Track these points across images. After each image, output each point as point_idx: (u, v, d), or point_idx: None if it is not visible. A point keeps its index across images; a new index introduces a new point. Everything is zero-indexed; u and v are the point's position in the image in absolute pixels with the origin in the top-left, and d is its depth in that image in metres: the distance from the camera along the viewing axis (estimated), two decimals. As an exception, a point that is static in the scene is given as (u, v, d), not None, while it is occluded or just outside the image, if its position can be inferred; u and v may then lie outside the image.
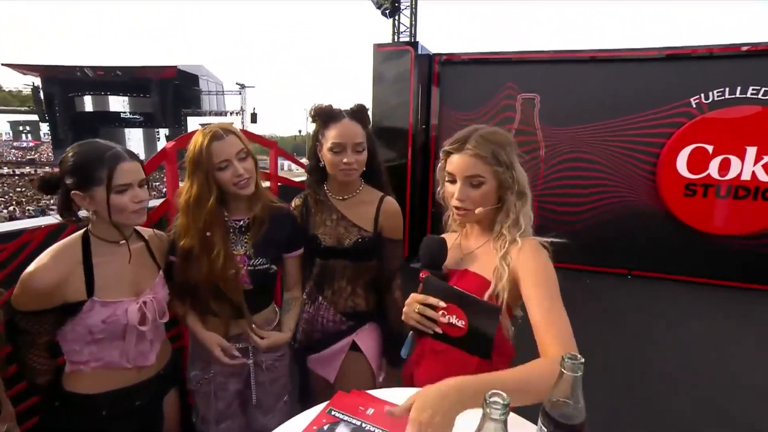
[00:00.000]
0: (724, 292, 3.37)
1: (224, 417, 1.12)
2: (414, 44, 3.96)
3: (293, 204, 1.31)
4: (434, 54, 4.08)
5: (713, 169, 3.38)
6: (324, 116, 1.18)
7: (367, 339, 1.23)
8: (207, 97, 34.22)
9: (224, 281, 1.03)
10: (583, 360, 0.51)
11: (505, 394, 0.44)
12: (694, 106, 3.37)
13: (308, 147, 1.29)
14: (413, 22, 9.46)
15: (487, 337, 0.82)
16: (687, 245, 3.53)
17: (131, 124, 33.54)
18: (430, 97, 4.06)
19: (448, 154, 0.92)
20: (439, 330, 0.86)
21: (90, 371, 0.91)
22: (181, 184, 1.46)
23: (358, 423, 0.73)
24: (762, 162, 3.23)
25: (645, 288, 3.49)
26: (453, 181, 0.91)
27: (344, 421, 0.73)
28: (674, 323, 2.86)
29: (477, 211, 0.89)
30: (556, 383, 0.53)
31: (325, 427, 0.72)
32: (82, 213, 0.93)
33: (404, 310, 0.91)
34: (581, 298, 3.27)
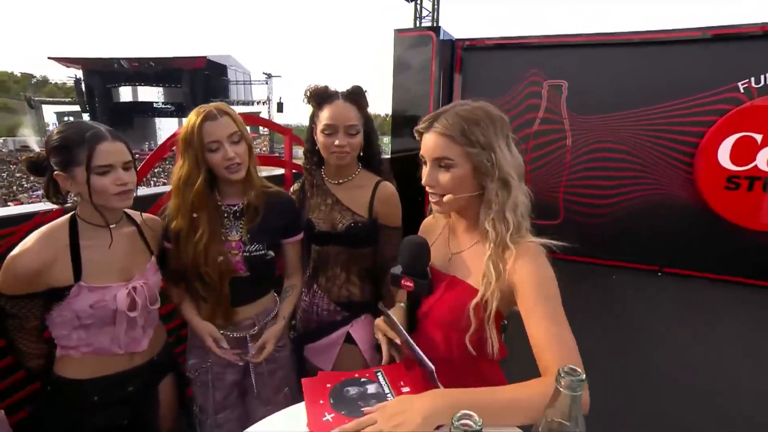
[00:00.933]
0: (763, 292, 3.13)
1: (222, 407, 1.12)
2: (436, 29, 3.83)
3: (292, 189, 1.30)
4: (457, 39, 3.94)
5: (761, 160, 3.10)
6: (318, 97, 1.15)
7: (361, 331, 1.21)
8: (235, 87, 34.96)
9: (210, 267, 1.00)
10: (583, 377, 0.47)
11: (477, 417, 0.39)
12: (742, 91, 3.09)
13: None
14: (435, 6, 9.20)
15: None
16: (726, 242, 3.28)
17: (163, 113, 34.80)
18: (452, 84, 3.93)
19: (420, 134, 0.84)
20: (398, 359, 0.82)
21: (80, 356, 0.91)
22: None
23: (387, 392, 0.76)
24: (819, 153, 2.94)
25: (677, 286, 3.30)
26: (425, 164, 0.84)
27: (380, 384, 0.78)
28: (708, 325, 2.69)
29: (445, 198, 0.81)
30: (551, 402, 0.48)
31: (362, 379, 0.79)
32: (75, 198, 0.94)
33: (374, 323, 0.88)
34: (608, 295, 3.13)
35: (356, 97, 1.16)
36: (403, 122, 3.99)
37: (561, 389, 0.46)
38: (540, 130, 3.98)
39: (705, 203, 3.34)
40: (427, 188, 0.83)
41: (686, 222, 3.41)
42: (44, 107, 41.97)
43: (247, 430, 0.73)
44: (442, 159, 0.79)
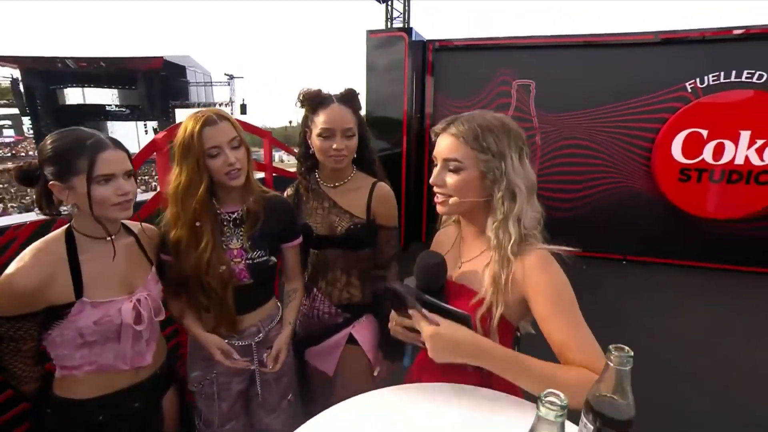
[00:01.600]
0: (718, 275, 3.42)
1: (228, 418, 1.09)
2: (408, 30, 3.88)
3: (286, 194, 1.27)
4: (428, 40, 4.01)
5: (707, 153, 3.39)
6: (313, 101, 1.13)
7: (364, 331, 1.21)
8: (195, 89, 33.57)
9: (211, 277, 0.98)
10: (632, 354, 0.48)
11: (562, 395, 0.40)
12: (690, 90, 3.36)
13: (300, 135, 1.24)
14: (406, 8, 9.30)
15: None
16: (681, 230, 3.56)
17: (117, 117, 32.81)
18: (424, 84, 4.00)
19: (437, 135, 0.84)
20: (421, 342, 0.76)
21: (83, 375, 0.86)
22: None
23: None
24: (755, 146, 3.25)
25: (640, 273, 3.52)
26: (436, 165, 0.83)
27: None
28: (670, 308, 2.89)
29: (451, 200, 0.80)
30: (601, 377, 0.50)
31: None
32: (66, 209, 0.87)
33: (389, 326, 0.84)
34: (579, 286, 3.29)
35: (351, 99, 1.15)
36: (377, 122, 4.01)
37: (611, 365, 0.48)
38: (519, 132, 4.23)
39: (662, 195, 3.62)
40: (435, 188, 0.83)
41: (647, 212, 3.67)
42: (-23, 111, 38.40)
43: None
44: (451, 161, 0.79)
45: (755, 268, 3.41)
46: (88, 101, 32.60)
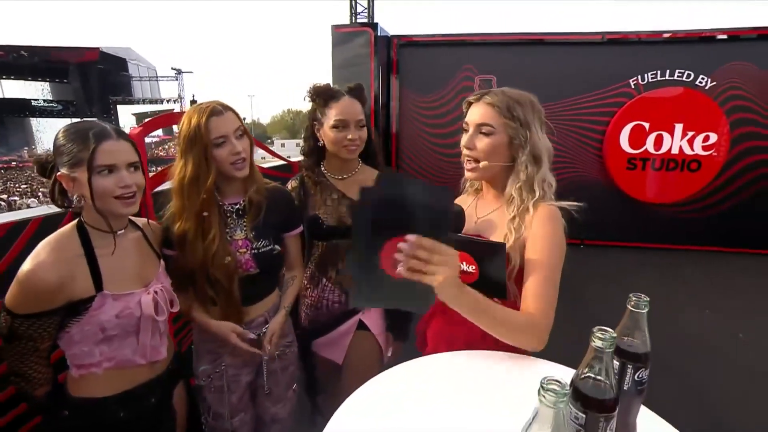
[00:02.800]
0: (659, 254, 3.79)
1: (238, 410, 1.08)
2: (373, 25, 3.90)
3: (289, 186, 1.28)
4: (393, 36, 4.05)
5: (650, 144, 3.73)
6: (324, 95, 1.18)
7: (373, 316, 1.24)
8: (139, 84, 31.30)
9: (217, 269, 0.98)
10: (648, 299, 0.58)
11: (563, 382, 0.43)
12: (633, 86, 3.68)
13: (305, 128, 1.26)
14: (371, 4, 9.27)
15: (500, 275, 0.83)
16: (629, 214, 3.90)
17: (47, 113, 29.82)
18: (390, 79, 4.05)
19: (469, 104, 0.93)
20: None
21: (102, 373, 0.83)
22: (155, 170, 1.33)
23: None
24: (687, 137, 3.63)
25: (596, 256, 3.81)
26: (466, 131, 0.92)
27: None
28: (623, 286, 3.17)
29: (481, 164, 0.89)
30: (623, 320, 0.59)
31: None
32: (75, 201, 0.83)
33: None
34: None
35: (359, 93, 1.21)
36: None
37: (630, 309, 0.57)
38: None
39: (612, 181, 3.95)
40: (465, 152, 0.90)
41: (600, 198, 3.98)
42: None
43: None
44: (484, 125, 0.87)
45: (690, 246, 3.82)
46: (8, 95, 29.27)
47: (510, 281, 0.86)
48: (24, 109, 29.14)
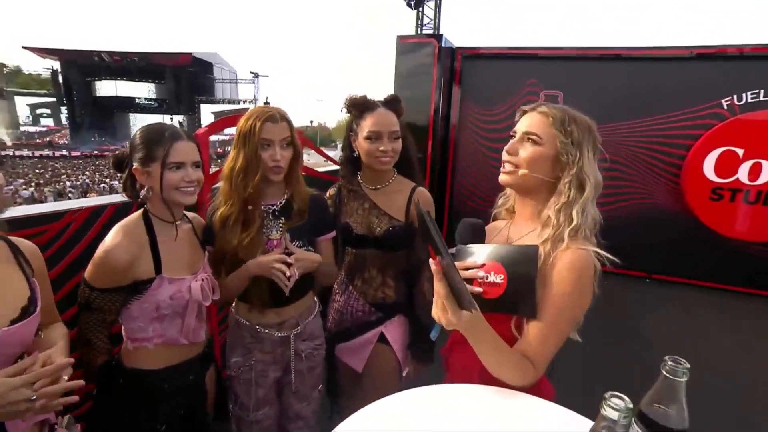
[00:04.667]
0: (747, 299, 3.31)
1: (263, 404, 1.14)
2: (438, 37, 3.91)
3: (328, 194, 1.33)
4: (457, 48, 4.03)
5: (743, 173, 3.29)
6: (359, 106, 1.20)
7: (394, 331, 1.24)
8: (221, 85, 34.39)
9: (249, 259, 1.04)
10: (688, 365, 0.49)
11: (626, 398, 0.41)
12: (726, 107, 3.28)
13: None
14: (437, 14, 9.34)
15: (530, 279, 0.77)
16: (711, 250, 3.46)
17: (146, 110, 33.84)
18: (451, 91, 4.02)
19: (523, 113, 0.90)
20: (478, 289, 0.80)
21: (153, 347, 0.96)
22: (212, 171, 1.47)
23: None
24: (793, 168, 3.15)
25: (664, 292, 3.44)
26: (512, 137, 0.89)
27: None
28: (694, 329, 2.82)
29: (520, 172, 0.84)
30: (655, 387, 0.51)
31: None
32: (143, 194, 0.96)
33: (427, 292, 0.90)
34: (600, 301, 3.21)
35: (395, 104, 1.21)
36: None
37: (664, 373, 0.48)
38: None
39: (691, 213, 3.53)
40: (505, 157, 0.87)
41: (673, 230, 3.59)
42: (17, 99, 40.18)
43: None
44: (532, 134, 0.83)
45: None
46: (120, 94, 33.77)
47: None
48: (129, 106, 33.41)
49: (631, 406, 0.44)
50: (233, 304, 1.18)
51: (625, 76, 3.50)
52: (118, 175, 0.98)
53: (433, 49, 3.81)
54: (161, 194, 0.92)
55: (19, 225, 1.07)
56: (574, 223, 0.79)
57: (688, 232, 3.49)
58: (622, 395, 0.45)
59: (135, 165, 0.92)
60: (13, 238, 0.80)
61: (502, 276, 0.79)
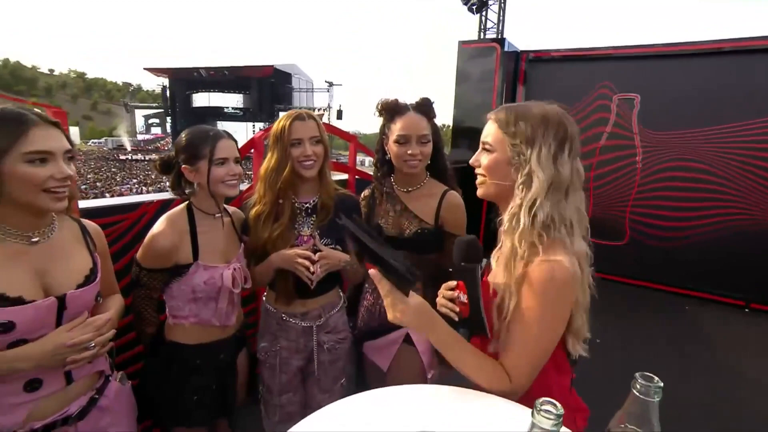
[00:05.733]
0: None
1: (286, 389, 1.22)
2: (501, 41, 3.81)
3: (363, 195, 1.38)
4: (522, 51, 3.89)
5: None
6: (390, 110, 1.23)
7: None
8: (298, 94, 36.84)
9: (277, 250, 1.11)
10: (661, 384, 0.46)
11: (558, 405, 0.40)
12: None
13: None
14: (501, 18, 9.08)
15: (475, 298, 0.77)
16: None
17: (233, 118, 37.57)
18: (515, 95, 3.88)
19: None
20: (455, 311, 0.83)
21: (188, 325, 1.09)
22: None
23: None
24: None
25: (765, 324, 2.93)
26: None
27: None
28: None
29: (487, 182, 0.84)
30: (625, 406, 0.49)
31: None
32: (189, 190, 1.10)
33: (437, 301, 0.89)
34: (678, 329, 2.79)
35: (426, 108, 1.22)
36: (463, 133, 3.98)
37: (637, 394, 0.46)
38: (607, 145, 3.60)
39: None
40: (475, 169, 0.87)
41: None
42: (136, 111, 48.07)
43: (307, 418, 0.77)
44: (485, 142, 0.85)
45: None
46: (212, 104, 38.09)
47: (503, 322, 0.78)
48: (219, 114, 37.45)
49: (561, 412, 0.42)
50: (265, 293, 1.29)
51: (715, 73, 3.08)
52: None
53: (495, 54, 3.72)
54: (208, 188, 1.04)
55: (104, 213, 1.30)
56: (522, 226, 0.74)
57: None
58: (555, 401, 0.44)
59: (183, 164, 1.05)
60: (83, 221, 0.95)
61: (465, 294, 0.81)
